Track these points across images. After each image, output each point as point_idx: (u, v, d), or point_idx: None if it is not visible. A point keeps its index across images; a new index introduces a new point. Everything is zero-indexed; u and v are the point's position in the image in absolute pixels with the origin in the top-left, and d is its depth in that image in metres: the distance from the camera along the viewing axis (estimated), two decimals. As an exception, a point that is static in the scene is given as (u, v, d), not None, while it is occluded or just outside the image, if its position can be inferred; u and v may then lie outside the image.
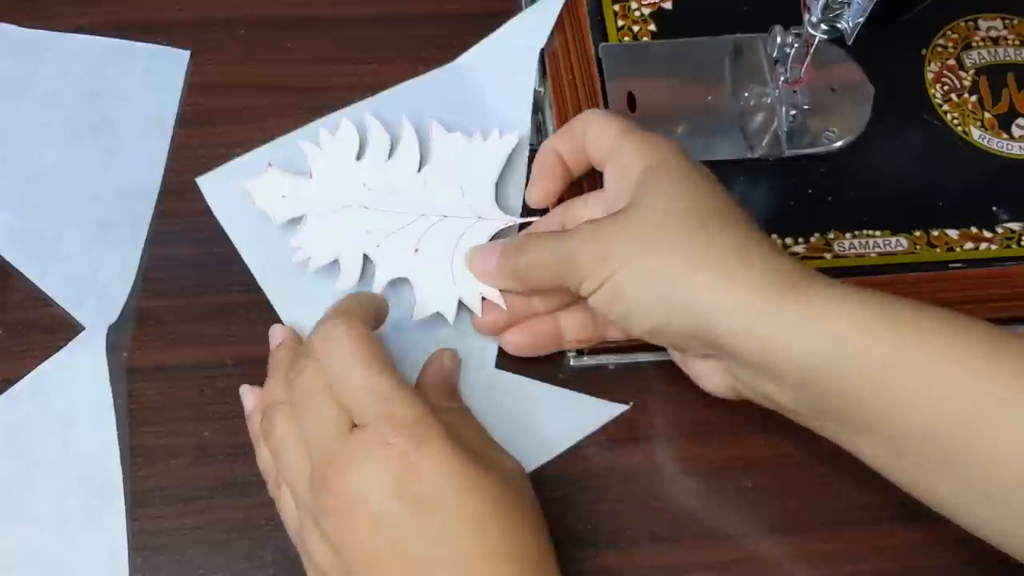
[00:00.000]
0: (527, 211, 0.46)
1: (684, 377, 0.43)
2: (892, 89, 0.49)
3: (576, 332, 0.42)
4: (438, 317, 0.43)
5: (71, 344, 0.43)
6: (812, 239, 0.46)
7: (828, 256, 0.45)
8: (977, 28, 0.51)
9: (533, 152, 0.46)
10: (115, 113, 0.48)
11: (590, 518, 0.41)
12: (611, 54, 0.49)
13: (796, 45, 0.45)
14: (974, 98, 0.49)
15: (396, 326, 0.43)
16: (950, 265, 0.45)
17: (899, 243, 0.46)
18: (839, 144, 0.48)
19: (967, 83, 0.49)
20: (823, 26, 0.43)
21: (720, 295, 0.35)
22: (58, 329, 0.43)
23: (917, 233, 0.46)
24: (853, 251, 0.45)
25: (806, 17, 0.43)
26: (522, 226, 0.45)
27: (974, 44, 0.50)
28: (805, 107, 0.47)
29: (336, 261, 0.44)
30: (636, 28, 0.50)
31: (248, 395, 0.41)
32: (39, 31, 0.50)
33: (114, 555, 0.40)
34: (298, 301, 0.44)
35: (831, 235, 0.46)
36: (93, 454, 0.41)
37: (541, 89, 0.49)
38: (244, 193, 0.45)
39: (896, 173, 0.47)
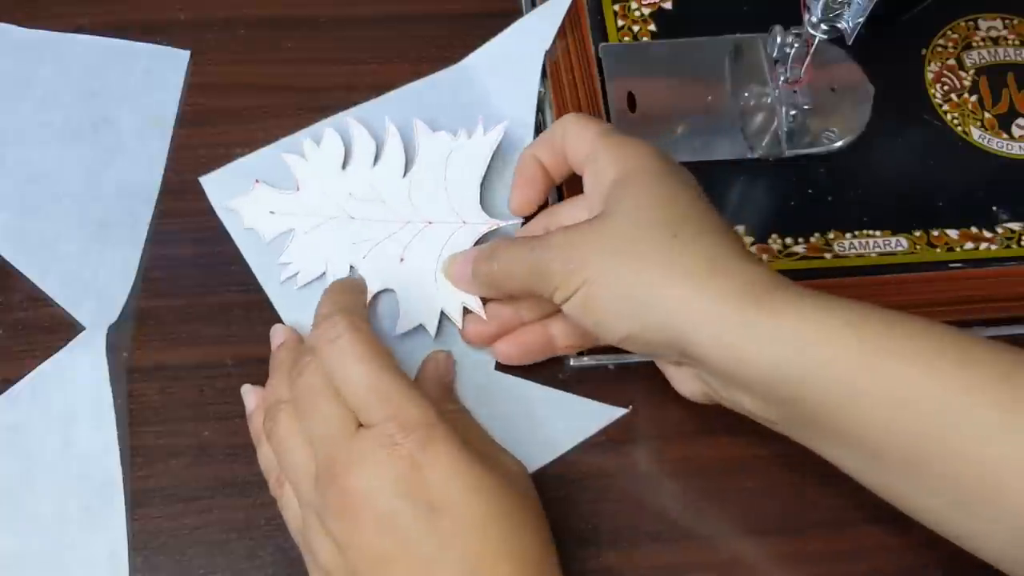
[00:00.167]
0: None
1: (684, 377, 0.43)
2: (892, 89, 0.49)
3: (567, 339, 0.42)
4: (422, 330, 0.43)
5: (71, 344, 0.43)
6: (812, 239, 0.46)
7: (828, 256, 0.45)
8: (977, 28, 0.51)
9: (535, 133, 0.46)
10: (115, 113, 0.48)
11: (591, 518, 0.41)
12: (611, 54, 0.49)
13: (796, 45, 0.45)
14: (974, 98, 0.49)
15: (389, 334, 0.43)
16: (950, 265, 0.45)
17: (899, 243, 0.46)
18: (839, 144, 0.48)
19: (967, 83, 0.49)
20: (823, 26, 0.43)
21: (690, 306, 0.35)
22: (58, 329, 0.43)
23: (917, 233, 0.46)
24: (853, 251, 0.45)
25: (806, 17, 0.43)
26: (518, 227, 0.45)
27: (974, 44, 0.50)
28: (805, 107, 0.47)
29: (324, 274, 0.44)
30: (636, 28, 0.50)
31: (249, 395, 0.41)
32: (39, 31, 0.50)
33: (114, 555, 0.40)
34: (299, 301, 0.44)
35: (831, 235, 0.46)
36: (93, 454, 0.41)
37: (542, 89, 0.49)
38: (232, 211, 0.46)
39: (896, 173, 0.47)
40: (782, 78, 0.47)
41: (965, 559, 0.40)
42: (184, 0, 0.51)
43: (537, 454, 0.41)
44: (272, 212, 0.45)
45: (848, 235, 0.46)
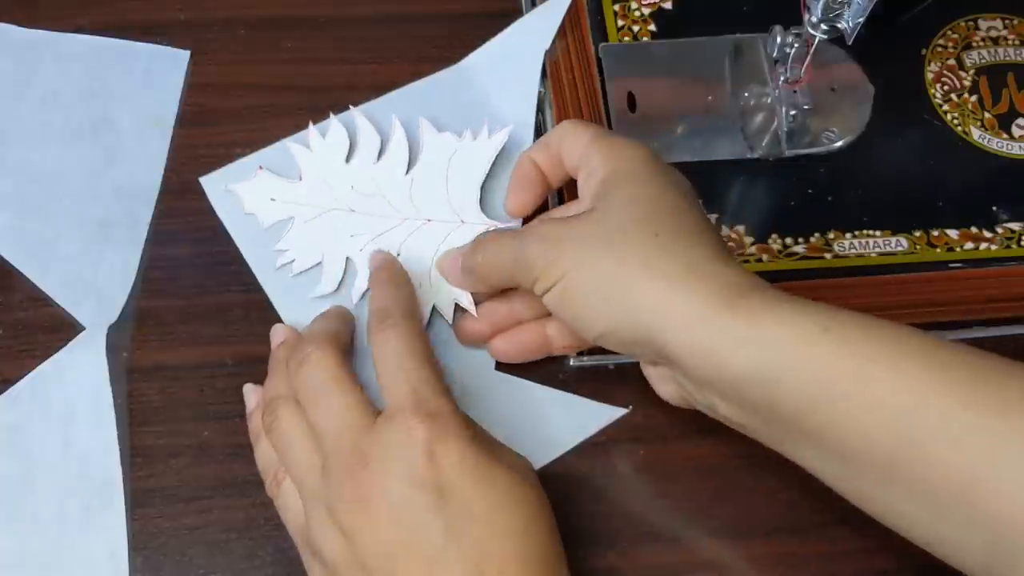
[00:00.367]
0: None
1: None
2: (892, 89, 0.49)
3: (563, 339, 0.42)
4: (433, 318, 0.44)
5: (71, 344, 0.43)
6: (812, 239, 0.46)
7: (828, 256, 0.45)
8: (977, 28, 0.51)
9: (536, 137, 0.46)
10: (115, 113, 0.48)
11: (591, 517, 0.41)
12: (611, 54, 0.49)
13: (796, 45, 0.45)
14: (974, 98, 0.49)
15: None
16: (950, 265, 0.45)
17: (899, 243, 0.46)
18: (839, 144, 0.48)
19: (967, 83, 0.49)
20: (823, 26, 0.43)
21: (666, 307, 0.35)
22: (58, 329, 0.43)
23: (917, 233, 0.46)
24: (853, 251, 0.45)
25: (806, 17, 0.43)
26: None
27: (974, 44, 0.50)
28: (805, 107, 0.47)
29: (320, 264, 0.44)
30: (636, 28, 0.50)
31: (251, 394, 0.41)
32: (39, 31, 0.50)
33: (114, 555, 0.40)
34: (299, 301, 0.44)
35: (831, 235, 0.46)
36: (93, 454, 0.41)
37: (542, 89, 0.49)
38: (234, 195, 0.46)
39: (896, 173, 0.47)
40: (782, 78, 0.47)
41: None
42: (184, 0, 0.51)
43: (537, 454, 0.41)
44: (273, 199, 0.45)
45: (848, 235, 0.46)
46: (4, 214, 0.46)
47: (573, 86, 0.48)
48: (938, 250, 0.45)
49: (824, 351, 0.33)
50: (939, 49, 0.50)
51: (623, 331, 0.36)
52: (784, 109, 0.47)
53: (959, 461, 0.31)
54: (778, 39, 0.46)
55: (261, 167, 0.46)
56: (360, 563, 0.33)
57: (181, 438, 0.42)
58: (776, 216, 0.46)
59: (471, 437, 0.34)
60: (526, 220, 0.44)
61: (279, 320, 0.44)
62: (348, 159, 0.46)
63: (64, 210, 0.46)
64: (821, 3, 0.42)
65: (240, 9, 0.51)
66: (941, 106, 0.49)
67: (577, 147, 0.40)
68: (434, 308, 0.44)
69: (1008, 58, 0.50)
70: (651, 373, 0.40)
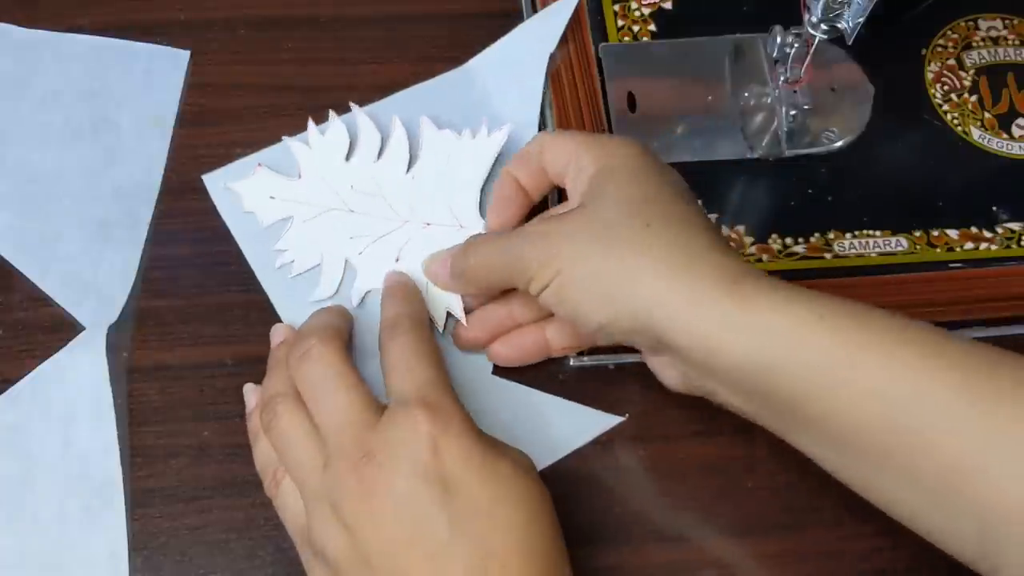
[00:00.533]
0: None
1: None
2: (892, 89, 0.49)
3: (562, 340, 0.42)
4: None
5: (71, 344, 0.43)
6: (812, 239, 0.46)
7: (828, 256, 0.45)
8: (977, 28, 0.51)
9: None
10: (115, 113, 0.48)
11: (593, 516, 0.41)
12: (611, 54, 0.49)
13: (796, 45, 0.45)
14: (974, 98, 0.49)
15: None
16: (950, 265, 0.45)
17: (899, 243, 0.46)
18: (839, 144, 0.48)
19: (967, 83, 0.49)
20: (823, 26, 0.43)
21: (662, 296, 0.35)
22: (58, 329, 0.43)
23: (917, 233, 0.46)
24: (853, 251, 0.45)
25: (806, 17, 0.43)
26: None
27: (974, 44, 0.50)
28: (805, 107, 0.47)
29: (319, 266, 0.44)
30: (636, 28, 0.50)
31: (251, 394, 0.41)
32: (39, 31, 0.50)
33: (114, 555, 0.40)
34: (299, 302, 0.44)
35: (831, 235, 0.46)
36: (93, 454, 0.41)
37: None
38: (233, 193, 0.46)
39: (896, 173, 0.47)
40: (782, 78, 0.47)
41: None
42: (184, 0, 0.51)
43: (532, 458, 0.41)
44: (272, 197, 0.45)
45: (848, 235, 0.46)
46: (4, 214, 0.46)
47: (573, 86, 0.48)
48: (938, 250, 0.45)
49: (819, 339, 0.33)
50: (939, 49, 0.50)
51: (622, 321, 0.36)
52: (784, 109, 0.47)
53: (951, 449, 0.31)
54: (778, 39, 0.46)
55: (260, 164, 0.46)
56: (364, 559, 0.33)
57: (181, 438, 0.42)
58: (776, 216, 0.46)
59: (475, 432, 0.35)
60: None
61: (279, 320, 0.44)
62: (348, 157, 0.46)
63: (64, 210, 0.46)
64: (821, 3, 0.42)
65: (240, 9, 0.51)
66: (941, 106, 0.49)
67: (561, 154, 0.40)
68: (448, 314, 0.44)
69: (1008, 58, 0.50)
70: (653, 362, 0.40)
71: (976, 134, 0.48)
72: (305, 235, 0.45)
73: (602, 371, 0.44)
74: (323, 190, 0.46)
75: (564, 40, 0.49)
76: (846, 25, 0.42)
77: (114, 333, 0.43)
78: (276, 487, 0.38)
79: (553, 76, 0.49)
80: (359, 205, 0.45)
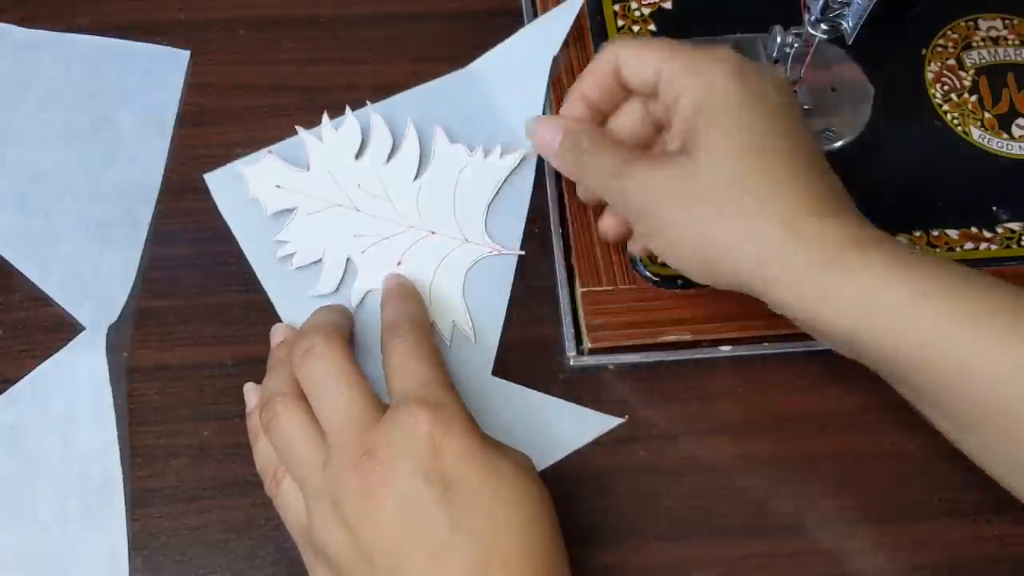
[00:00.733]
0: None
1: (684, 376, 0.43)
2: (892, 89, 0.49)
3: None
4: None
5: (71, 344, 0.43)
6: (812, 239, 0.46)
7: (828, 256, 0.45)
8: (977, 28, 0.51)
9: (540, 164, 0.46)
10: (115, 113, 0.48)
11: (594, 516, 0.41)
12: (611, 54, 0.49)
13: (796, 45, 0.45)
14: (974, 98, 0.49)
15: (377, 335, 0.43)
16: (950, 265, 0.45)
17: (899, 243, 0.45)
18: (839, 144, 0.48)
19: (967, 83, 0.49)
20: (823, 26, 0.43)
21: (765, 268, 0.36)
22: (58, 329, 0.43)
23: (917, 233, 0.46)
24: (853, 251, 0.45)
25: (806, 17, 0.43)
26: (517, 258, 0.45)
27: (974, 44, 0.50)
28: (805, 107, 0.47)
29: (320, 261, 0.44)
30: (636, 28, 0.50)
31: (251, 393, 0.41)
32: (39, 31, 0.50)
33: (114, 555, 0.40)
34: (298, 299, 0.44)
35: (831, 235, 0.46)
36: (93, 454, 0.41)
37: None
38: (239, 177, 0.46)
39: (896, 173, 0.47)
40: (782, 78, 0.47)
41: (970, 555, 0.40)
42: (184, 0, 0.51)
43: (533, 458, 0.41)
44: (278, 186, 0.45)
45: (848, 235, 0.46)
46: (4, 214, 0.46)
47: (573, 86, 0.48)
48: (938, 250, 0.45)
49: (921, 319, 0.34)
50: (939, 49, 0.50)
51: (722, 282, 0.38)
52: (784, 109, 0.47)
53: None
54: (778, 39, 0.46)
55: (271, 150, 0.46)
56: (365, 557, 0.33)
57: (181, 438, 0.42)
58: (776, 216, 0.46)
59: (476, 431, 0.35)
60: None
61: (279, 320, 0.44)
62: (358, 156, 0.46)
63: (64, 210, 0.46)
64: (821, 3, 0.42)
65: (240, 9, 0.51)
66: (941, 106, 0.49)
67: (646, 68, 0.39)
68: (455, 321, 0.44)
69: (1008, 58, 0.50)
70: None
71: (976, 134, 0.48)
72: (308, 228, 0.45)
73: (602, 371, 0.44)
74: (330, 185, 0.46)
75: (564, 42, 0.49)
76: (846, 25, 0.42)
77: (114, 333, 0.43)
78: (277, 487, 0.38)
79: (553, 77, 0.49)
80: (365, 205, 0.45)
